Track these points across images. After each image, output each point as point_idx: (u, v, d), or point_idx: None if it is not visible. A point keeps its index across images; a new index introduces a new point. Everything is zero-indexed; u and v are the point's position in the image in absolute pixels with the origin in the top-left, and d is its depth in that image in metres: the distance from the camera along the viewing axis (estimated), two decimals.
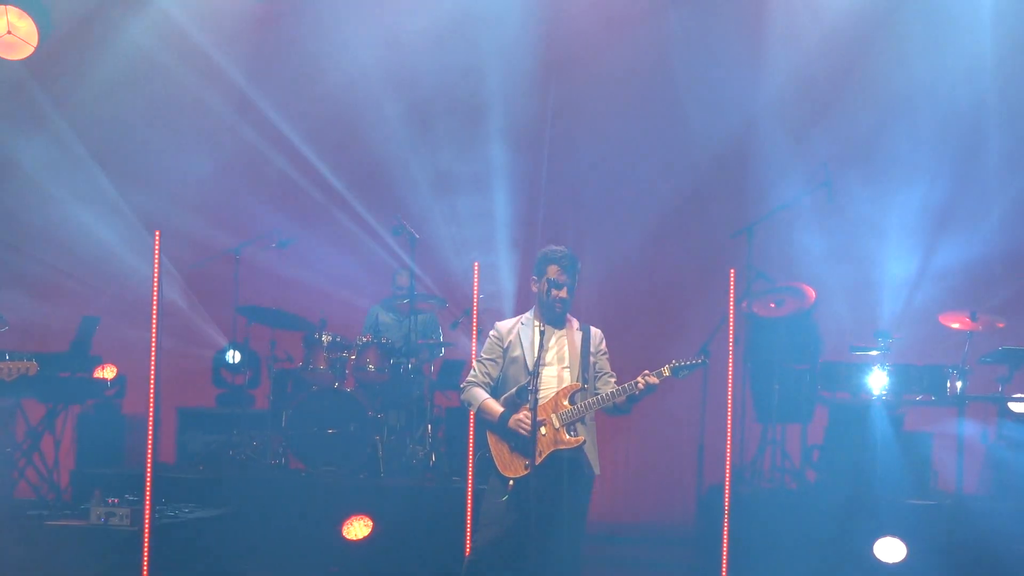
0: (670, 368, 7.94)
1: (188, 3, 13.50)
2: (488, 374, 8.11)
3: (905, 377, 11.40)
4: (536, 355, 7.92)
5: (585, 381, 8.01)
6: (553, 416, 7.88)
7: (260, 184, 14.02)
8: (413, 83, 13.85)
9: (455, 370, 12.73)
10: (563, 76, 13.90)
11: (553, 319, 8.08)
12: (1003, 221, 13.04)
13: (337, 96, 13.86)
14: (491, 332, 8.22)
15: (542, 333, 7.95)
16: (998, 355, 11.50)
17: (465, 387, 8.19)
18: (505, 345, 8.12)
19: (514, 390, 7.93)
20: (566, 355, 8.06)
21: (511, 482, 7.85)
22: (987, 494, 11.72)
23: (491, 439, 7.99)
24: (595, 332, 8.19)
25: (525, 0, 13.55)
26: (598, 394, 7.91)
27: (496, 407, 7.94)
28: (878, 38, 13.23)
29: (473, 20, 13.59)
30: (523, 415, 7.80)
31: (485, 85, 13.77)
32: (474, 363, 8.28)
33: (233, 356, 13.04)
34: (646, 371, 7.82)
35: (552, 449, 7.85)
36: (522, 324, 8.14)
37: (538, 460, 7.81)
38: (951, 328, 11.47)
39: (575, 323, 8.17)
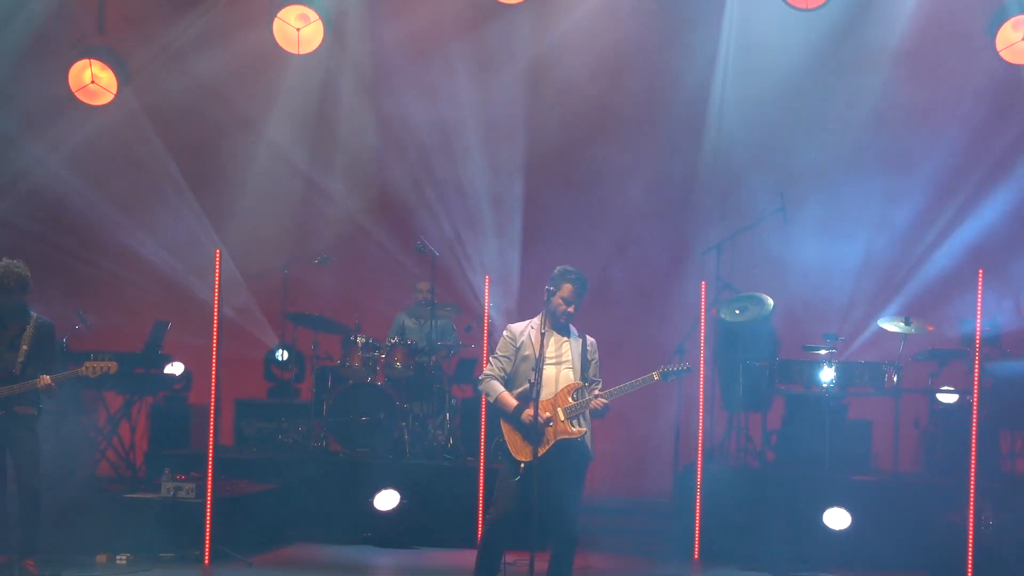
0: (660, 373, 8.00)
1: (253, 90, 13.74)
2: (503, 368, 8.08)
3: (849, 372, 11.42)
4: (538, 355, 7.95)
5: (585, 380, 8.02)
6: (559, 410, 7.90)
7: (306, 212, 14.06)
8: (428, 133, 13.92)
9: (469, 367, 12.74)
10: (555, 114, 13.89)
11: (558, 327, 8.08)
12: (934, 239, 13.10)
13: (370, 146, 13.97)
14: (505, 332, 8.20)
15: (543, 335, 7.97)
16: (928, 354, 11.61)
17: (483, 379, 8.17)
18: (518, 345, 8.09)
19: (527, 385, 7.92)
20: (568, 357, 8.06)
21: (522, 464, 7.85)
22: (919, 472, 11.77)
23: (505, 428, 7.98)
24: (591, 340, 8.18)
25: (524, 45, 13.63)
26: (588, 397, 7.94)
27: (511, 400, 7.94)
28: (828, 77, 13.29)
29: (472, 71, 13.73)
30: (533, 412, 7.82)
31: (489, 124, 13.84)
32: (490, 358, 8.25)
33: (282, 354, 13.06)
34: (597, 393, 7.92)
35: (558, 439, 7.88)
36: (532, 328, 8.12)
37: (546, 448, 7.85)
38: (889, 331, 11.52)
39: (575, 330, 8.17)
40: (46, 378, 9.07)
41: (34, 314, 9.34)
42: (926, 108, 13.07)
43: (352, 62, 13.83)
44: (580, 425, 7.93)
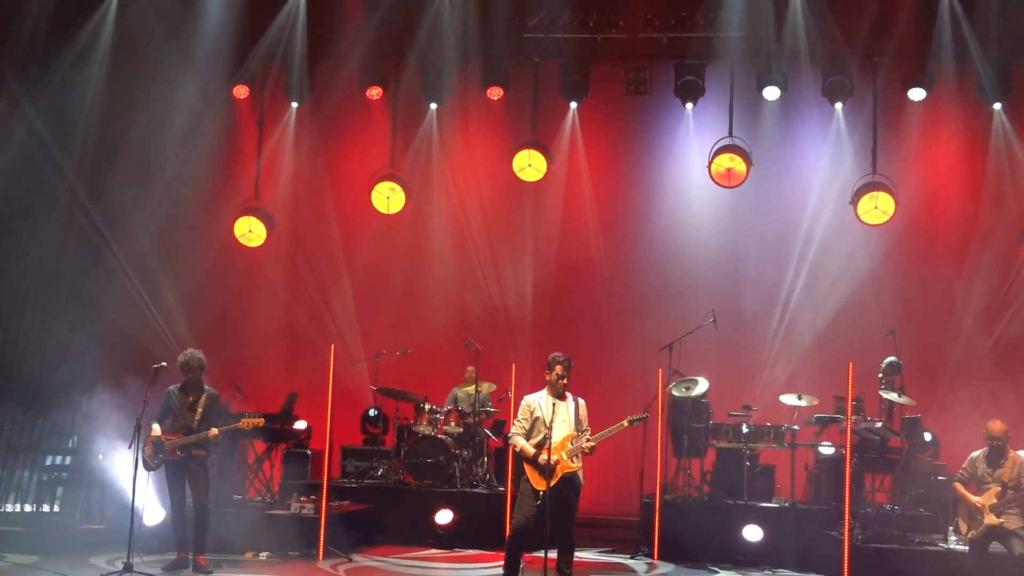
0: (628, 421, 8.12)
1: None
2: (523, 427, 8.21)
3: (760, 432, 11.38)
4: (550, 417, 8.07)
5: (578, 431, 8.14)
6: (563, 453, 8.02)
7: (391, 318, 14.10)
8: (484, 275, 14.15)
9: (500, 425, 12.70)
10: (559, 267, 14.05)
11: (558, 395, 8.17)
12: (815, 339, 13.05)
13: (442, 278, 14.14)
14: (523, 402, 8.32)
15: (553, 403, 8.10)
16: (814, 419, 11.44)
17: (511, 436, 8.32)
18: (532, 409, 8.22)
19: (540, 437, 8.04)
20: (567, 416, 8.14)
21: (541, 493, 7.96)
22: (809, 500, 11.65)
23: (527, 467, 8.10)
24: (582, 402, 8.28)
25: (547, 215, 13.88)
26: (580, 443, 8.02)
27: (530, 449, 8.07)
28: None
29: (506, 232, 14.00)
30: (545, 456, 7.92)
31: (517, 271, 13.98)
32: (514, 421, 8.38)
33: (373, 415, 13.11)
34: (588, 438, 7.98)
35: (563, 472, 7.99)
36: (541, 398, 8.24)
37: (555, 480, 7.96)
38: (786, 403, 11.51)
39: (570, 396, 8.24)
40: (214, 431, 9.24)
41: (207, 387, 9.54)
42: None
43: (424, 221, 14.04)
44: (576, 462, 8.03)
